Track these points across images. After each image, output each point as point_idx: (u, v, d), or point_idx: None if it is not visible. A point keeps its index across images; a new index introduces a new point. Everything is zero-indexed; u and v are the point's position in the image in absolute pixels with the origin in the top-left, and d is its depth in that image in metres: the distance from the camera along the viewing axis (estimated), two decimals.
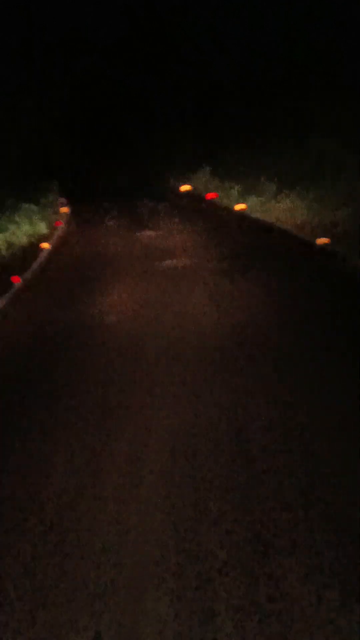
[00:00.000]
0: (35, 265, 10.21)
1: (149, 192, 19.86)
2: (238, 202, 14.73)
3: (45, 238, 12.48)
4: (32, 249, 11.48)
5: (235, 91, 20.93)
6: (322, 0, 17.27)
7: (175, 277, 8.77)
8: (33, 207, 13.85)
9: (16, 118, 18.94)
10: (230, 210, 14.73)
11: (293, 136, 16.29)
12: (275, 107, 18.01)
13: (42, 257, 10.87)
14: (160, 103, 25.98)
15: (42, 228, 13.00)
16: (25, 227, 12.39)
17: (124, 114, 26.67)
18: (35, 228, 12.71)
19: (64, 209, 16.52)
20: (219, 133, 21.09)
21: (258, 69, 20.17)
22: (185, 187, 18.75)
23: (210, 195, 16.68)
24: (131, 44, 25.80)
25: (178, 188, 20.10)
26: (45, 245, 11.66)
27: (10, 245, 11.22)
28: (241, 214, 13.99)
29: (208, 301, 7.41)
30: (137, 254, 10.75)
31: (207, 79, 23.05)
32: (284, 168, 15.25)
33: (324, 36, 17.06)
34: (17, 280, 8.81)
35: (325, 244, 9.63)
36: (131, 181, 24.60)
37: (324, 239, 9.78)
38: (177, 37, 24.40)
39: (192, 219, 14.21)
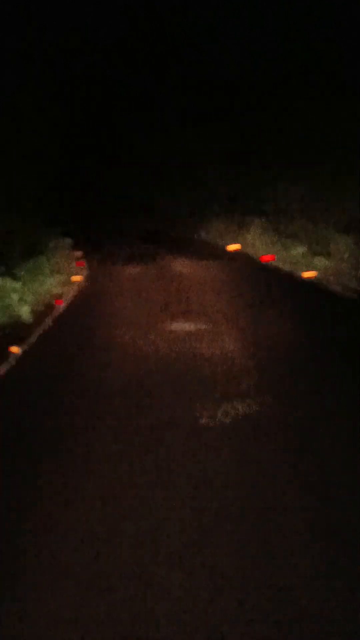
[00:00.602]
0: None
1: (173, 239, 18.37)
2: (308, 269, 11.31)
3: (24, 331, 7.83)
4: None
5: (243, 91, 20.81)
6: (322, 0, 17.28)
7: None
8: (10, 282, 9.36)
9: (16, 118, 18.89)
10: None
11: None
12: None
13: None
14: (160, 103, 25.99)
15: (24, 312, 8.53)
16: None
17: (124, 114, 26.66)
18: (12, 313, 8.48)
19: (76, 278, 12.07)
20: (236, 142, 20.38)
21: (258, 69, 20.20)
22: (233, 247, 15.32)
23: (267, 259, 13.18)
24: (131, 44, 25.80)
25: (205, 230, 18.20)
26: (14, 348, 6.87)
27: None
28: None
29: None
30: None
31: (207, 79, 23.08)
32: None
33: (324, 36, 17.07)
34: None
35: None
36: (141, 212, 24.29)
37: None
38: (177, 37, 24.41)
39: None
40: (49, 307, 9.27)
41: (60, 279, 11.43)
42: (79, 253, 14.58)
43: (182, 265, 13.70)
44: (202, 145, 22.35)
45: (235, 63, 21.30)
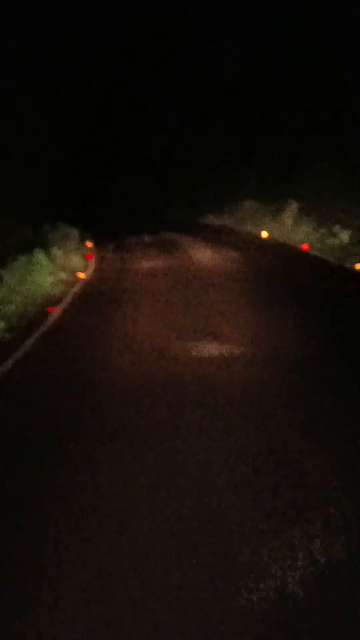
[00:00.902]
0: None
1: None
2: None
3: None
4: None
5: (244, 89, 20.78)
6: (322, 0, 17.29)
7: None
8: None
9: (16, 118, 18.90)
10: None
11: None
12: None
13: None
14: (160, 103, 26.04)
15: None
16: None
17: (124, 114, 26.71)
18: None
19: (82, 275, 10.09)
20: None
21: (258, 69, 20.22)
22: (265, 234, 13.59)
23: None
24: (131, 44, 25.83)
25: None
26: None
27: None
28: None
29: None
30: None
31: (207, 79, 23.11)
32: None
33: (324, 36, 17.07)
34: None
35: None
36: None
37: None
38: (177, 37, 24.44)
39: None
40: (38, 317, 7.21)
41: (63, 276, 9.55)
42: (89, 244, 12.93)
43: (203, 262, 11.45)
44: (202, 145, 22.37)
45: (235, 63, 21.33)
